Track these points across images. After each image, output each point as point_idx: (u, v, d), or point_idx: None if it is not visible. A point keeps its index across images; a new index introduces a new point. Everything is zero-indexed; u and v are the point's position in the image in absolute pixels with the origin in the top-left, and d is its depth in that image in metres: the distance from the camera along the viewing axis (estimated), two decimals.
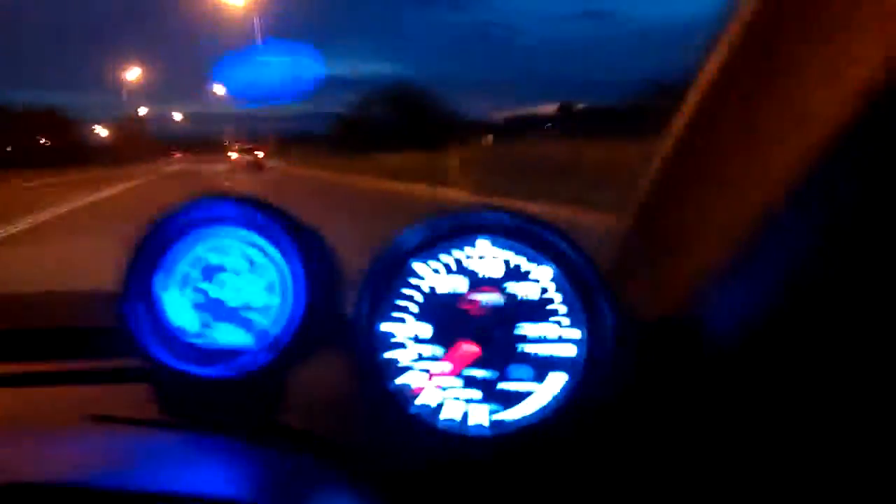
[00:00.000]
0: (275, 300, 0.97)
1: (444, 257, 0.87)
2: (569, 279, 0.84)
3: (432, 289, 0.87)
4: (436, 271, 0.87)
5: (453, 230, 0.87)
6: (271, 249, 0.96)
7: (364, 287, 0.86)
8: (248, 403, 0.92)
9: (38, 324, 1.20)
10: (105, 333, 1.04)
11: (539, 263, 0.85)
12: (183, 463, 0.81)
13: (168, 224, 0.96)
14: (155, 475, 0.74)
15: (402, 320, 0.87)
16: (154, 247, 0.96)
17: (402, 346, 0.87)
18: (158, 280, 0.97)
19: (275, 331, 0.95)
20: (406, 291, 0.87)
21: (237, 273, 0.98)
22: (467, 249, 0.87)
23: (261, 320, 0.97)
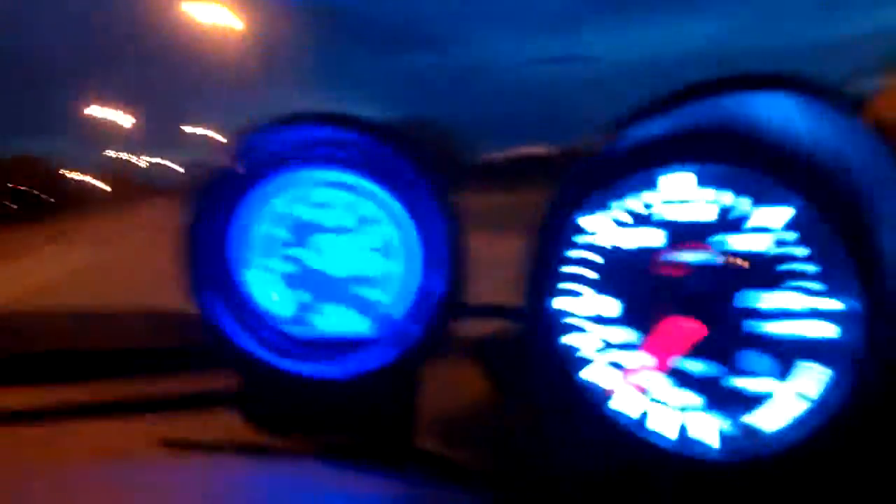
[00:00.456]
0: (396, 268, 0.70)
1: (629, 202, 0.62)
2: (825, 222, 0.58)
3: (614, 248, 0.62)
4: (618, 223, 0.62)
5: (637, 161, 0.61)
6: (389, 199, 0.69)
7: (530, 254, 0.61)
8: (368, 415, 0.67)
9: (110, 344, 0.94)
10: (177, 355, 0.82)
11: (771, 203, 0.60)
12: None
13: (236, 165, 0.68)
14: None
15: (576, 294, 0.63)
16: (219, 202, 0.69)
17: (580, 329, 0.63)
18: (233, 249, 0.71)
19: (401, 311, 0.69)
20: (586, 257, 0.63)
21: (340, 232, 0.71)
22: (662, 187, 0.62)
23: (378, 297, 0.70)
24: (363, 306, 0.71)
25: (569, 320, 0.62)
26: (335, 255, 0.71)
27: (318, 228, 0.72)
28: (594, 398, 0.60)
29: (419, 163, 0.66)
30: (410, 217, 0.69)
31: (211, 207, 0.68)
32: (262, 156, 0.70)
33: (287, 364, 0.66)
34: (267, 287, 0.72)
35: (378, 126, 0.66)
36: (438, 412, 0.71)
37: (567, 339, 0.62)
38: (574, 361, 0.61)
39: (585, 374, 0.61)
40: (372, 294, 0.71)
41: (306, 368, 0.66)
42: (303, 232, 0.72)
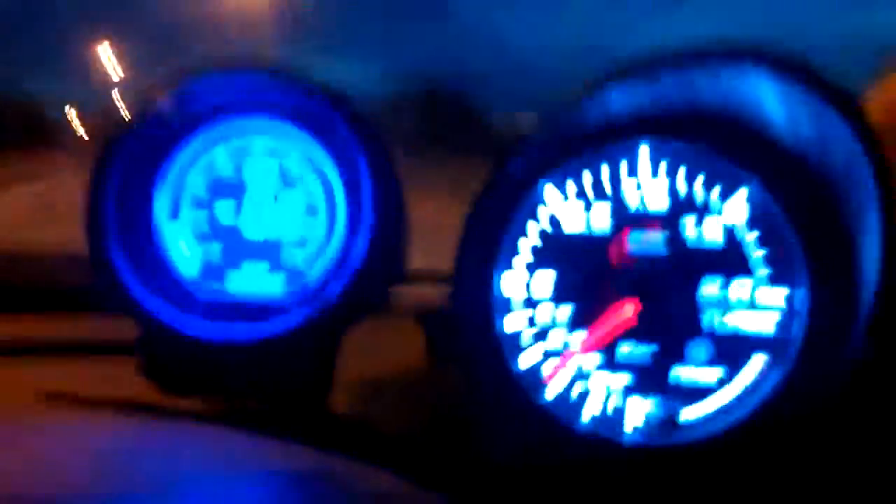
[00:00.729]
0: (318, 230, 0.66)
1: (587, 177, 0.59)
2: (782, 206, 0.55)
3: (562, 228, 0.59)
4: (572, 197, 0.59)
5: (599, 133, 0.58)
6: (317, 153, 0.65)
7: (471, 224, 0.58)
8: (274, 380, 0.63)
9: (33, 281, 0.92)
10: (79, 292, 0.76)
11: (729, 183, 0.56)
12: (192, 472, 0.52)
13: (164, 116, 0.64)
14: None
15: (521, 273, 0.59)
16: (145, 150, 0.64)
17: (522, 310, 0.59)
18: (158, 202, 0.66)
19: (316, 274, 0.65)
20: (529, 231, 0.59)
21: (264, 191, 0.67)
22: (622, 166, 0.59)
23: (296, 259, 0.67)
24: (278, 269, 0.67)
25: (509, 301, 0.59)
26: (255, 214, 0.67)
27: (240, 186, 0.68)
28: (529, 387, 0.57)
29: (354, 119, 0.61)
30: (339, 176, 0.65)
31: (131, 155, 0.64)
32: (192, 106, 0.65)
33: (188, 324, 0.62)
34: (176, 244, 0.68)
35: (312, 81, 0.62)
36: (361, 378, 0.68)
37: (506, 323, 0.58)
38: (511, 348, 0.58)
39: (522, 362, 0.58)
40: (289, 256, 0.67)
41: (208, 330, 0.62)
42: (223, 188, 0.68)
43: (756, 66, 0.51)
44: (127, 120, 0.63)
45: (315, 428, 0.61)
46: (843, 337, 0.52)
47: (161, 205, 0.67)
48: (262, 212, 0.67)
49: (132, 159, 0.64)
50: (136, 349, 0.64)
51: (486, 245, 0.57)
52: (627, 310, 0.57)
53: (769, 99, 0.53)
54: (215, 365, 0.62)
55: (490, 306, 0.58)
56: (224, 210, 0.67)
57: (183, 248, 0.68)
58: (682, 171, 0.57)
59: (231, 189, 0.68)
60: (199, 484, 0.48)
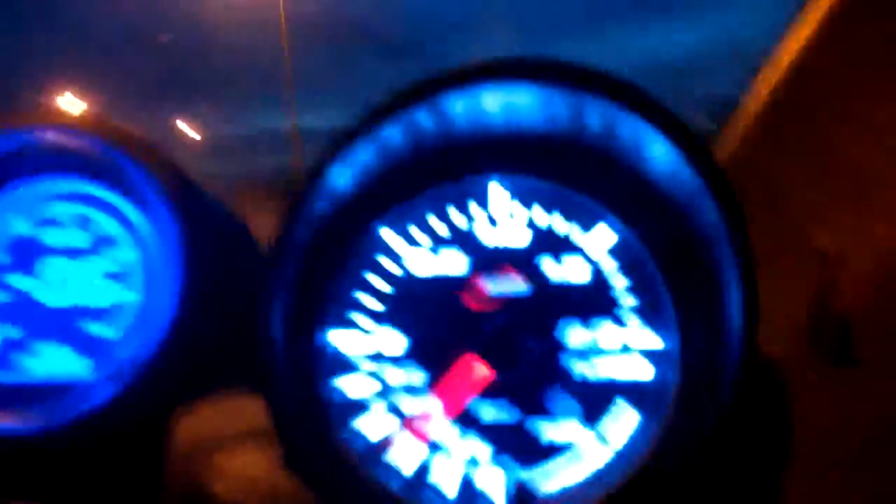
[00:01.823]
0: (129, 297, 0.59)
1: (430, 218, 0.53)
2: (655, 245, 0.50)
3: (409, 272, 0.52)
4: (415, 242, 0.53)
5: (447, 164, 0.52)
6: (129, 214, 0.59)
7: (287, 268, 0.50)
8: (88, 476, 0.55)
9: None
10: None
11: (592, 222, 0.51)
12: None
13: None
14: None
15: (358, 326, 0.52)
16: None
17: (357, 368, 0.52)
18: None
19: (124, 350, 0.57)
20: (368, 278, 0.52)
21: (70, 255, 0.60)
22: (472, 205, 0.53)
23: (105, 332, 0.59)
24: (86, 343, 0.59)
25: (346, 357, 0.52)
26: (60, 281, 0.60)
27: (44, 250, 0.60)
28: (366, 451, 0.50)
29: (160, 163, 0.54)
30: (149, 236, 0.58)
31: None
32: None
33: None
34: None
35: (105, 128, 0.55)
36: (191, 469, 0.59)
37: (340, 382, 0.51)
38: (346, 407, 0.51)
39: (359, 423, 0.51)
40: (98, 328, 0.59)
41: (2, 421, 0.54)
42: (23, 255, 0.60)
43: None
44: None
45: None
46: (714, 387, 0.46)
47: None
48: (70, 282, 0.60)
49: None
50: None
51: (309, 290, 0.50)
52: (480, 367, 0.50)
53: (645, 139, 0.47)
54: (13, 461, 0.54)
55: (323, 366, 0.51)
56: (26, 283, 0.60)
57: None
58: (546, 215, 0.52)
59: (37, 260, 0.60)
60: None
